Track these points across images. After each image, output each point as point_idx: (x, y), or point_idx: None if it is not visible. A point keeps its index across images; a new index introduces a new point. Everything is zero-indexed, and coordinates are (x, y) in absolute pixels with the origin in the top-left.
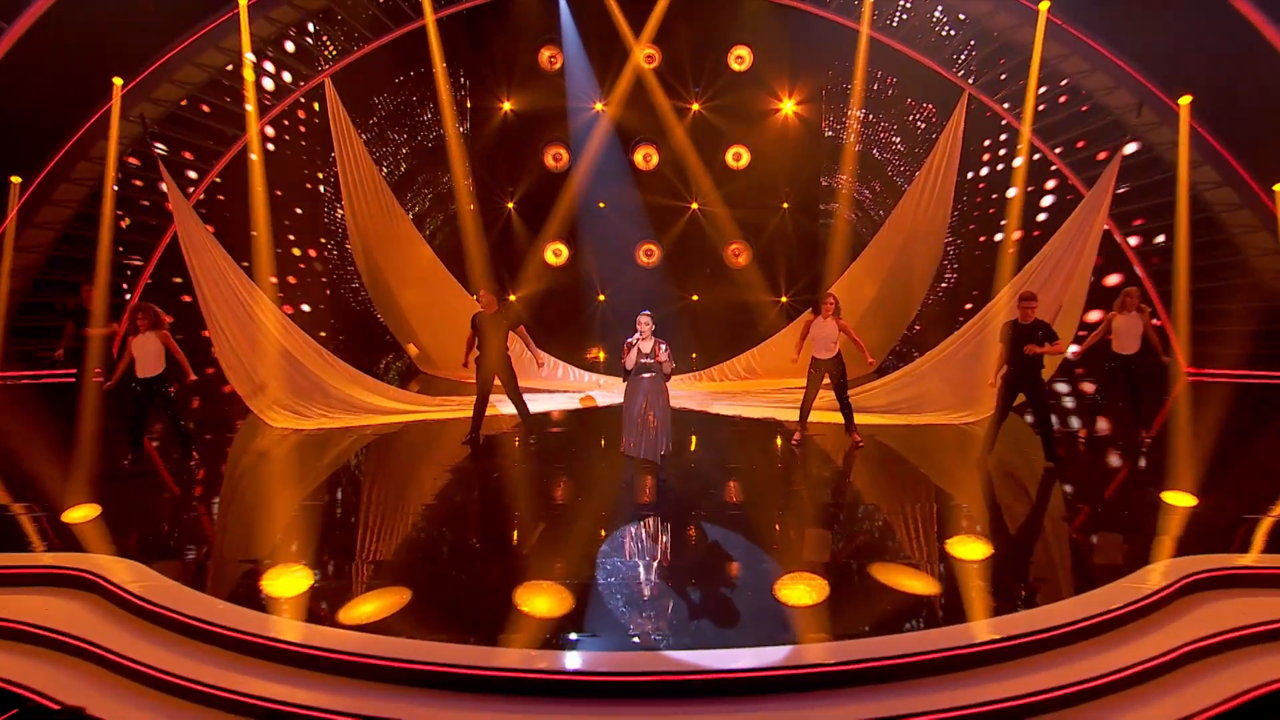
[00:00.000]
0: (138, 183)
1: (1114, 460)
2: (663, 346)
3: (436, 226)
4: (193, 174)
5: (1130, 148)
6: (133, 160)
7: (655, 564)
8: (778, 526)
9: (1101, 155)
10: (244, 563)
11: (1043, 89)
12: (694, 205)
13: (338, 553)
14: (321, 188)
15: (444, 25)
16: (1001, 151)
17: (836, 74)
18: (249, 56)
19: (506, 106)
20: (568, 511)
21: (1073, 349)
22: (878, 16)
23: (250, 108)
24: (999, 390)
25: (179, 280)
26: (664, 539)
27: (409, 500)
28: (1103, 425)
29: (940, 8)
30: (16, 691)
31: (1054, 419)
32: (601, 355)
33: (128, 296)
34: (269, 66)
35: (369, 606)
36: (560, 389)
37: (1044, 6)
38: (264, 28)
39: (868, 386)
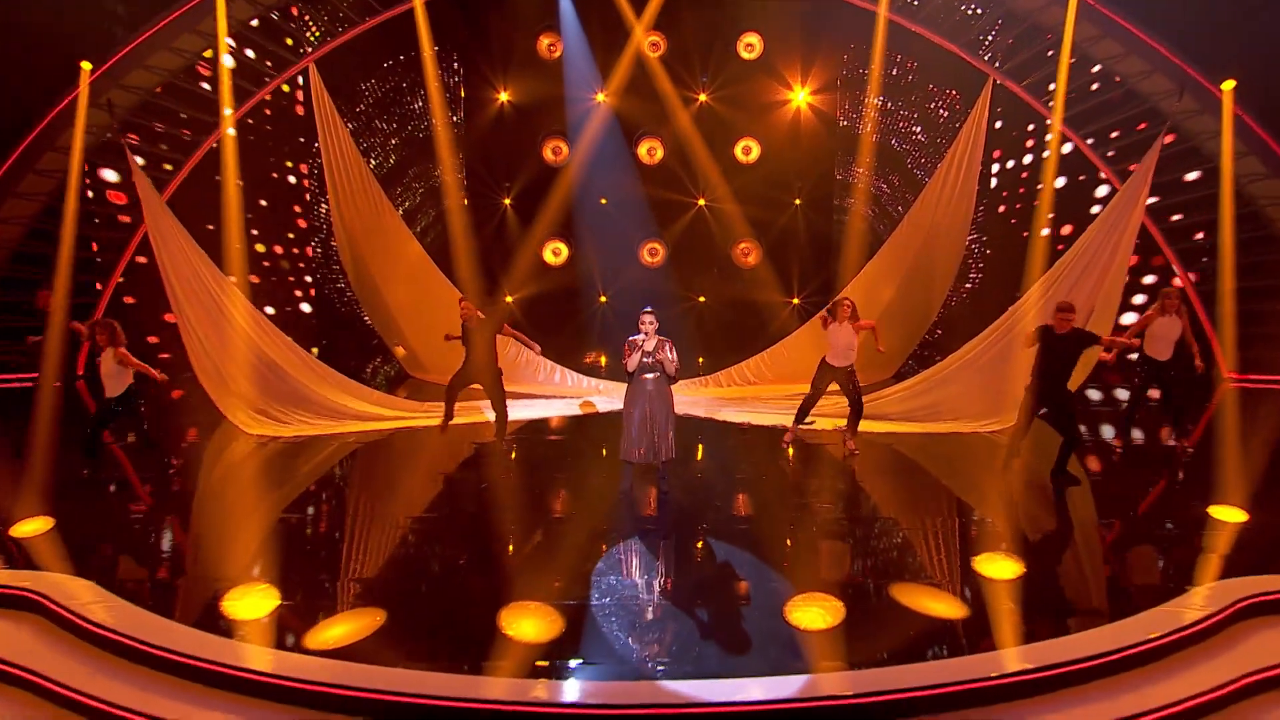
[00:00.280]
0: (110, 176)
1: (1152, 472)
2: (667, 346)
3: (429, 223)
4: (168, 166)
5: (1168, 137)
6: (105, 152)
7: (654, 583)
8: (789, 542)
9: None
10: (208, 582)
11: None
12: (701, 201)
13: (308, 570)
14: (306, 181)
15: (436, 8)
16: (1029, 142)
17: (853, 58)
18: (228, 41)
19: (503, 96)
20: (560, 525)
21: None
22: None
23: (226, 96)
24: (1024, 400)
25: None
26: (664, 555)
27: (390, 512)
28: (1138, 434)
29: None
30: None
31: (1082, 430)
32: (604, 360)
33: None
34: (249, 51)
35: (338, 630)
36: (559, 394)
37: None
38: (244, 10)
39: (884, 392)
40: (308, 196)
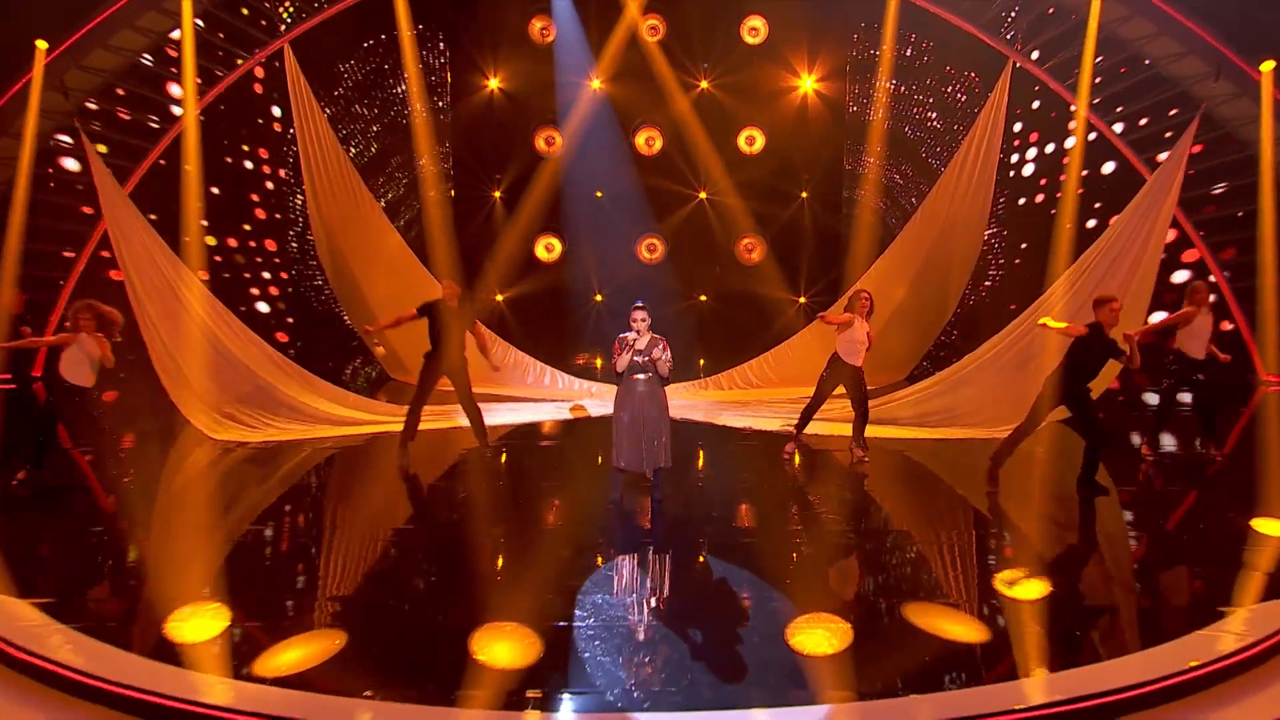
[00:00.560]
0: (70, 165)
1: (1188, 481)
2: (661, 344)
3: (413, 215)
4: (132, 155)
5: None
6: (64, 138)
7: (644, 602)
8: (795, 556)
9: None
10: (153, 601)
11: (1099, 58)
12: (702, 194)
13: (264, 587)
14: (281, 171)
15: None
16: (1051, 130)
17: (863, 39)
18: (195, 21)
19: (493, 83)
20: (543, 538)
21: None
22: None
23: (189, 78)
24: (1041, 394)
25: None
26: (655, 571)
27: (359, 524)
28: (1171, 440)
29: None
30: None
31: (1105, 435)
32: (599, 362)
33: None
34: (219, 33)
35: (292, 654)
36: (549, 397)
37: None
38: None
39: (896, 395)
40: (271, 185)
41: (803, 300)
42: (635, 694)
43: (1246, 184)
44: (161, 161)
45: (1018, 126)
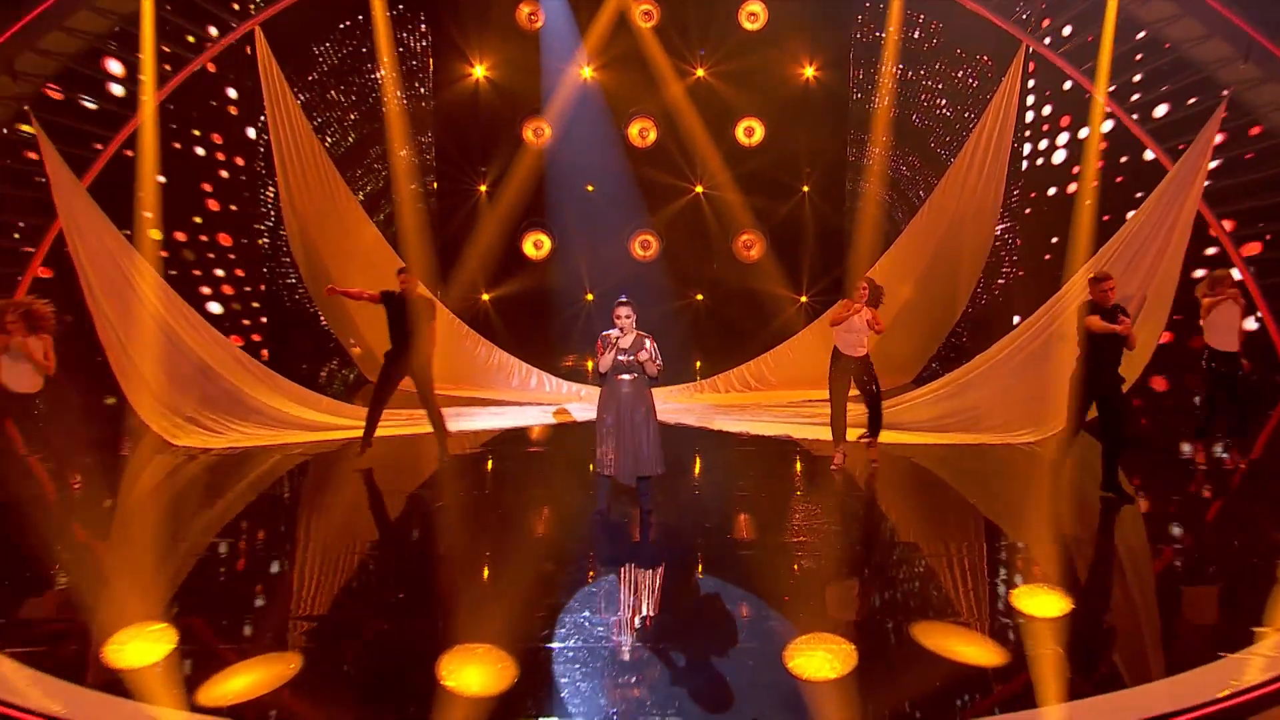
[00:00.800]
0: (30, 155)
1: (1219, 489)
2: (647, 342)
3: (394, 209)
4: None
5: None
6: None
7: (631, 621)
8: (795, 569)
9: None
10: (92, 625)
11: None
12: (698, 188)
13: (216, 606)
14: (239, 159)
15: None
16: (1065, 119)
17: (867, 20)
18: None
19: (478, 71)
20: (524, 551)
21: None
22: None
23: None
24: (1070, 393)
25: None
26: (643, 588)
27: (326, 535)
28: (1202, 444)
29: None
30: None
31: (1128, 434)
32: (590, 364)
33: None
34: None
35: (240, 681)
36: (535, 401)
37: None
38: None
39: (902, 398)
40: (226, 173)
41: (804, 299)
42: None
43: (1273, 175)
44: (128, 153)
45: (1032, 115)
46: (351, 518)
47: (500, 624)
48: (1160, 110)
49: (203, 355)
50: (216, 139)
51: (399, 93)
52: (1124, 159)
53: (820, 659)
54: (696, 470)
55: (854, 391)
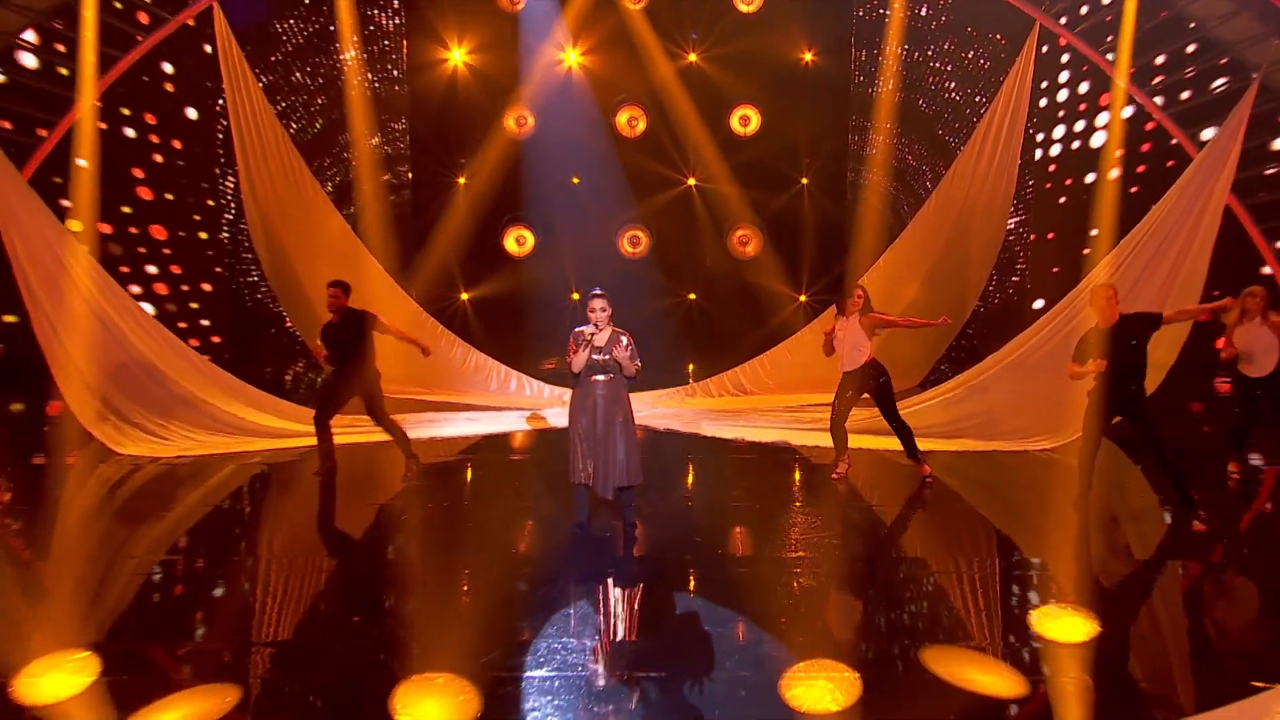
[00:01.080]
0: None
1: (1255, 503)
2: (623, 339)
3: (364, 200)
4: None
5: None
6: None
7: (610, 648)
8: (795, 586)
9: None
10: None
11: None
12: (690, 181)
13: (146, 631)
14: (177, 142)
15: None
16: (1082, 105)
17: None
18: None
19: (455, 54)
20: (493, 568)
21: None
22: None
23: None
24: (1088, 408)
25: None
26: (625, 610)
27: (277, 552)
28: (1237, 454)
29: None
30: None
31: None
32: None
33: None
34: None
35: (170, 717)
36: (513, 406)
37: None
38: None
39: (908, 402)
40: (160, 157)
41: (803, 299)
42: None
43: None
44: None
45: (1046, 101)
46: (307, 532)
47: (463, 650)
48: (1185, 94)
49: (151, 357)
50: (150, 119)
51: (369, 75)
52: (1146, 146)
53: (821, 689)
54: (688, 480)
55: (865, 397)
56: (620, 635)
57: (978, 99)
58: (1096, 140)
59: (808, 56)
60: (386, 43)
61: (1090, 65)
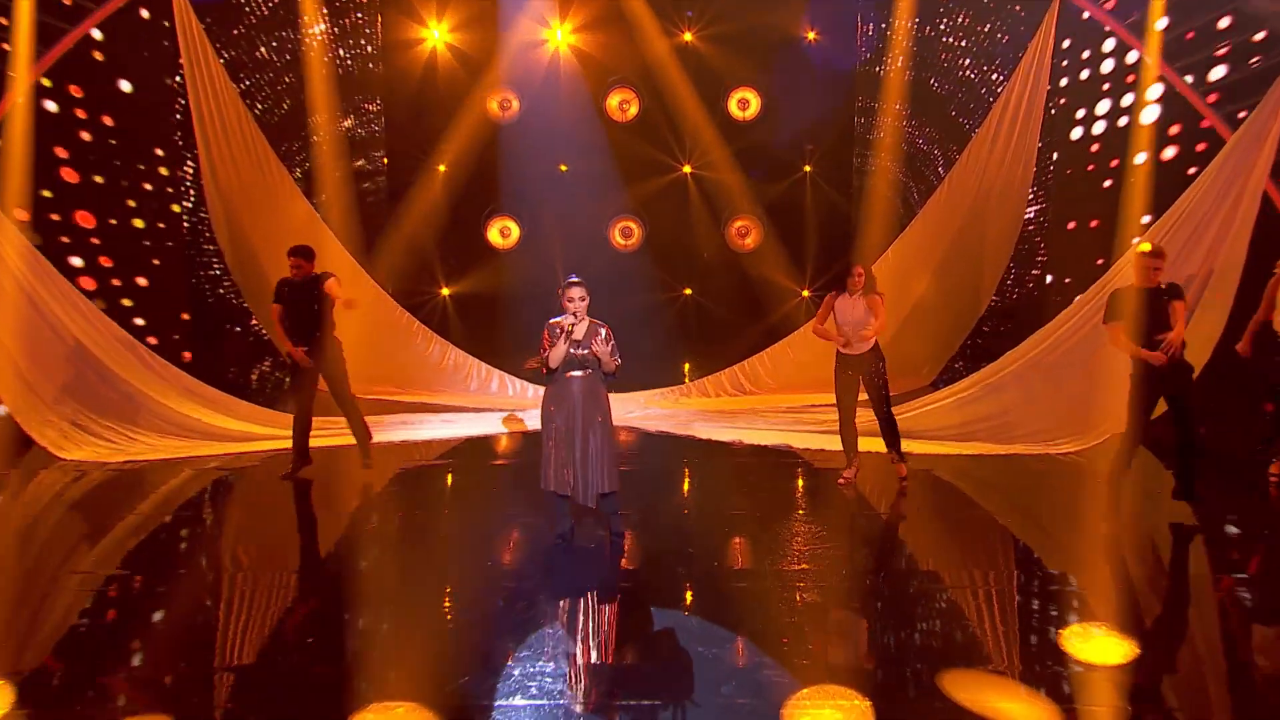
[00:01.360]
0: None
1: None
2: (602, 332)
3: (334, 186)
4: None
5: None
6: None
7: (593, 670)
8: (799, 600)
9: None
10: None
11: None
12: (686, 168)
13: (76, 656)
14: (108, 118)
15: None
16: (1106, 85)
17: None
18: None
19: (433, 31)
20: (466, 584)
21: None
22: None
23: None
24: (1130, 392)
25: None
26: (610, 629)
27: (228, 566)
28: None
29: None
30: None
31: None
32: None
33: None
34: None
35: None
36: (494, 407)
37: None
38: None
39: (918, 403)
40: (89, 135)
41: (806, 293)
42: None
43: None
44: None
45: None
46: (268, 544)
47: (428, 676)
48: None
49: (97, 353)
50: (75, 91)
51: (341, 52)
52: (1175, 129)
53: (828, 717)
54: (682, 486)
55: (864, 395)
56: (605, 658)
57: (994, 76)
58: (1147, 116)
59: (811, 35)
60: (359, 15)
61: (1117, 40)
